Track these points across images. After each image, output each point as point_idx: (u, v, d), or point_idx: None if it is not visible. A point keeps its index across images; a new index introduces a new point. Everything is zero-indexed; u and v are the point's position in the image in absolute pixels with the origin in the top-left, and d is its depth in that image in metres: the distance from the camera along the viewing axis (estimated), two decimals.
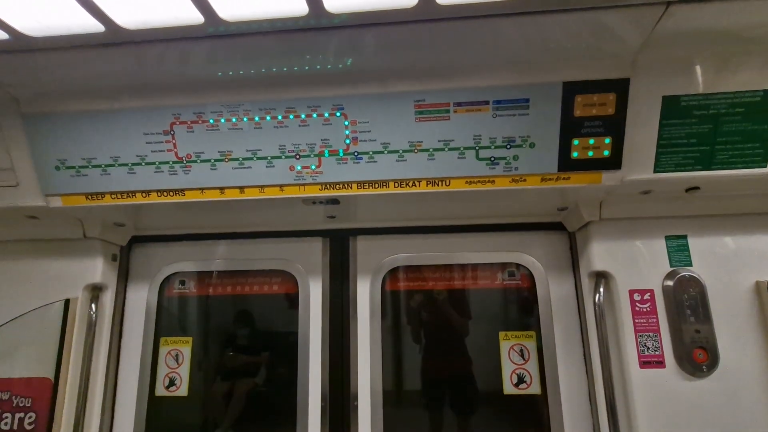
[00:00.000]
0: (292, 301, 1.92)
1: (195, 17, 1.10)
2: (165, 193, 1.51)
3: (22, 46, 1.21)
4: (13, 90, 1.41)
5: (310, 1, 1.05)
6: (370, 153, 1.43)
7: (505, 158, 1.40)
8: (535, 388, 1.77)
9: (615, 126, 1.35)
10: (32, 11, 1.08)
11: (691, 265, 1.60)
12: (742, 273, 1.57)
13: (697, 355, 1.52)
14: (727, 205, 1.59)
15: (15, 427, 1.61)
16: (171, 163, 1.47)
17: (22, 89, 1.42)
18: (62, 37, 1.17)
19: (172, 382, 1.88)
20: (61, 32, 1.15)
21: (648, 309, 1.58)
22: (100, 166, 1.49)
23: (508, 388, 1.78)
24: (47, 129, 1.47)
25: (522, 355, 1.80)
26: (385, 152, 1.43)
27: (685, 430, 1.48)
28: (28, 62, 1.28)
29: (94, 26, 1.12)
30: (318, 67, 1.33)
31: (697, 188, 1.49)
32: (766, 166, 1.37)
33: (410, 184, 1.45)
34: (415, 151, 1.42)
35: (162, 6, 1.08)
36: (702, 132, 1.36)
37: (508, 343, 1.82)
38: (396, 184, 1.45)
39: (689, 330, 1.54)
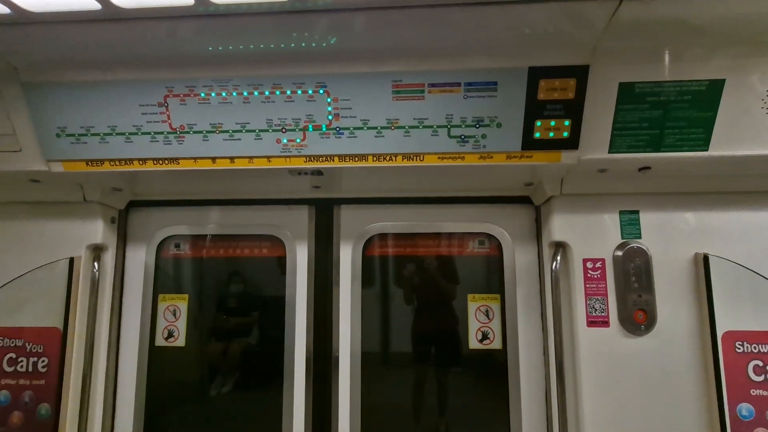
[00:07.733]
0: (280, 263, 2.08)
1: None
2: (160, 162, 1.62)
3: (21, 19, 1.27)
4: (13, 59, 1.48)
5: None
6: (351, 129, 1.54)
7: (474, 136, 1.53)
8: (497, 344, 1.98)
9: (574, 109, 1.47)
10: None
11: (640, 237, 1.77)
12: (684, 245, 1.75)
13: (638, 316, 1.72)
14: (676, 184, 1.74)
15: (30, 369, 1.79)
16: (165, 133, 1.58)
17: (21, 59, 1.48)
18: (60, 13, 1.25)
19: (170, 334, 2.06)
20: (59, 8, 1.22)
21: (598, 276, 1.77)
22: (98, 134, 1.59)
23: (473, 344, 1.99)
24: (46, 98, 1.55)
25: (487, 315, 2.00)
26: (365, 128, 1.54)
27: (623, 380, 1.69)
28: (27, 34, 1.35)
29: (91, 4, 1.20)
30: (303, 45, 1.41)
31: (648, 168, 1.63)
32: (707, 150, 1.52)
33: (387, 158, 1.57)
34: (392, 127, 1.53)
35: None
36: (653, 117, 1.49)
37: (475, 304, 2.01)
38: (374, 158, 1.58)
39: (632, 294, 1.73)
